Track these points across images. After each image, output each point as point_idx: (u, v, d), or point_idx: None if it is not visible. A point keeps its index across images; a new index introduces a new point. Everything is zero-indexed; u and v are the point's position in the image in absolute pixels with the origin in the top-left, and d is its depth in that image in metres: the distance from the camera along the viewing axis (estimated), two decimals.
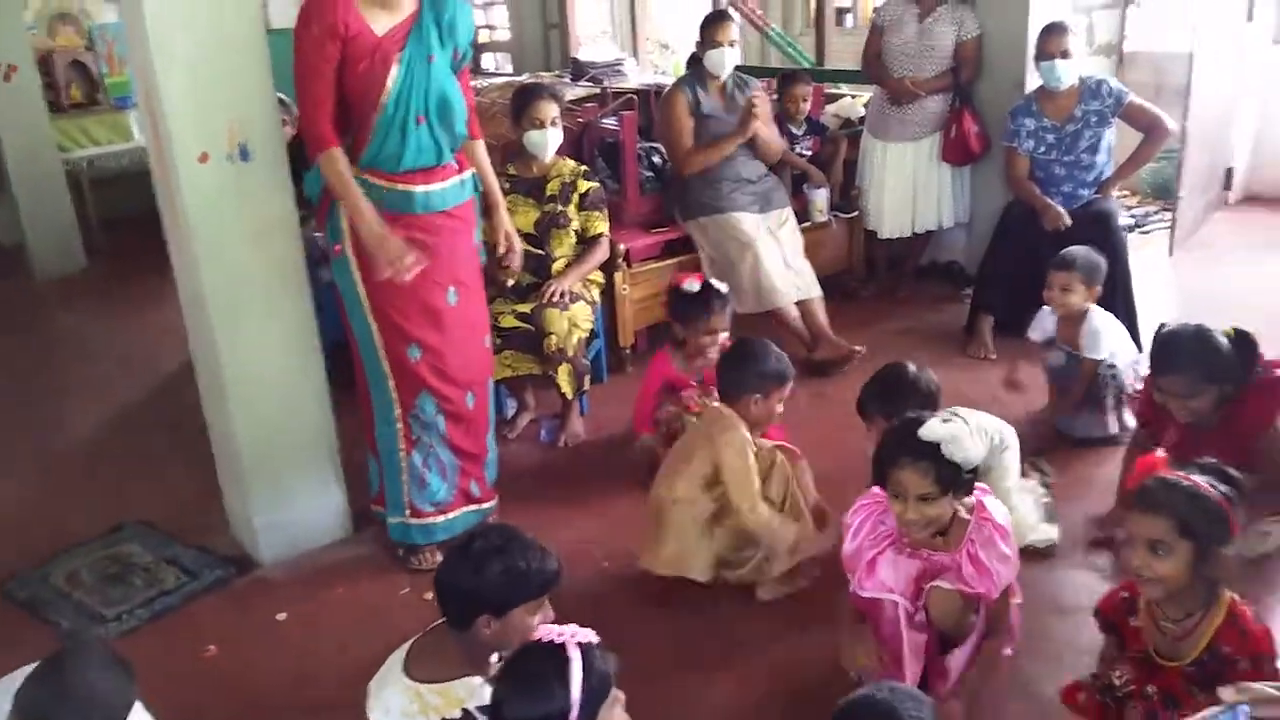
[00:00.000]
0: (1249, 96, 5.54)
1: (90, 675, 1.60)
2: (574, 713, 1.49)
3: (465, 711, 1.76)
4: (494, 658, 1.85)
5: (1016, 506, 2.77)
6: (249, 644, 2.62)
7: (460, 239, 2.77)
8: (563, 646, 1.55)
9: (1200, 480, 1.83)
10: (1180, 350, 2.53)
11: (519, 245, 3.06)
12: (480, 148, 2.91)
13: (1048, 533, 2.79)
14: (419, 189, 2.64)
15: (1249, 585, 2.47)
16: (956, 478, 2.04)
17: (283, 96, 2.99)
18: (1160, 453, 2.75)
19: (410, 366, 2.72)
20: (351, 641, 2.56)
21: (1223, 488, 1.82)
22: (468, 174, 2.77)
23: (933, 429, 2.03)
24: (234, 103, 2.60)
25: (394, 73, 2.51)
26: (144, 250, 3.83)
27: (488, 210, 2.97)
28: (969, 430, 2.04)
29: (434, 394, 2.75)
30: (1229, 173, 5.66)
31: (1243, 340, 2.53)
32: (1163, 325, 2.62)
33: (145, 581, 2.89)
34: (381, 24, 2.51)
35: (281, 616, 2.72)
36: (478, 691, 1.77)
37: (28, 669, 1.67)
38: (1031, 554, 2.71)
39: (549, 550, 1.84)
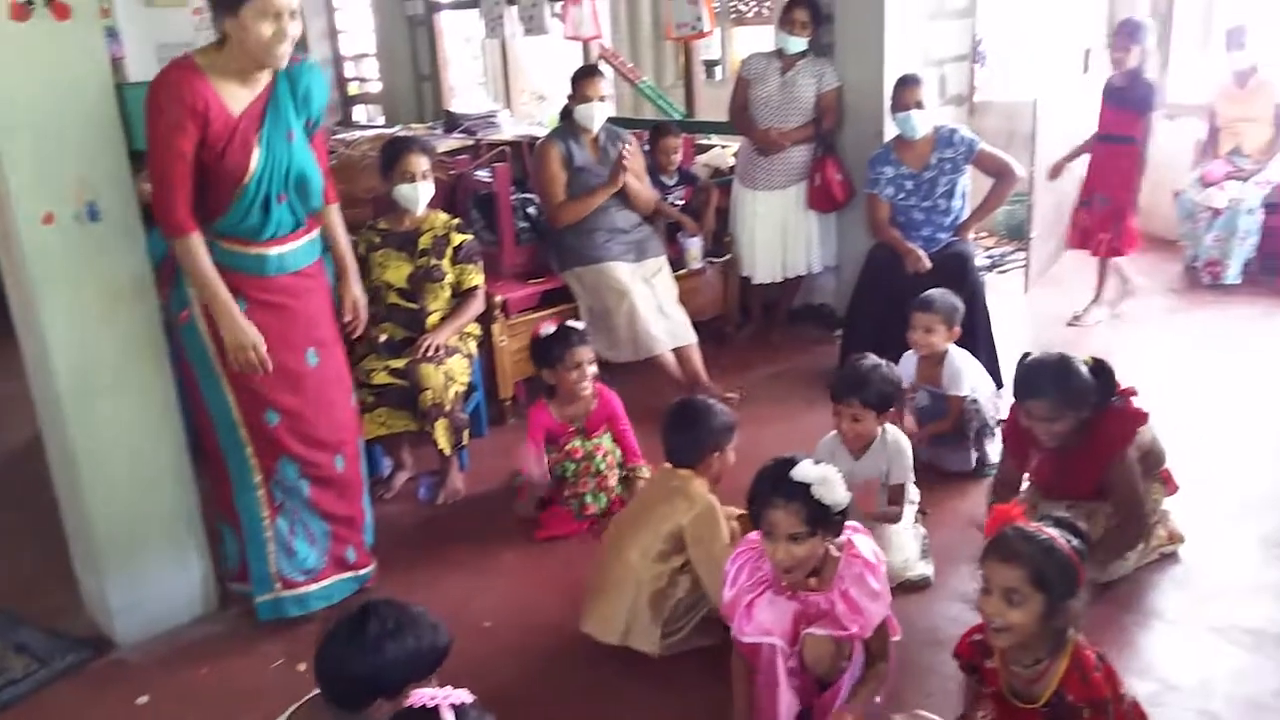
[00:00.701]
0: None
1: None
2: None
3: None
4: None
5: (901, 546, 2.86)
6: None
7: (315, 298, 2.72)
8: (435, 710, 1.52)
9: (1054, 533, 1.91)
10: (1043, 377, 2.66)
11: (364, 315, 2.99)
12: (335, 213, 2.86)
13: (924, 570, 2.87)
14: (273, 251, 2.59)
15: (1103, 608, 2.62)
16: (826, 517, 2.09)
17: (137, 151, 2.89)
18: (1023, 493, 2.94)
19: (268, 431, 2.64)
20: None
21: (1074, 541, 1.91)
22: (315, 232, 2.73)
23: (804, 470, 2.08)
24: (81, 159, 2.48)
25: (255, 155, 2.47)
26: None
27: (339, 276, 2.92)
28: (836, 475, 2.10)
29: (295, 459, 2.67)
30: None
31: (1101, 369, 2.70)
32: (1027, 354, 2.76)
33: None
34: (239, 101, 2.46)
35: (143, 700, 2.58)
36: None
37: None
38: (909, 588, 2.80)
39: (439, 623, 1.82)
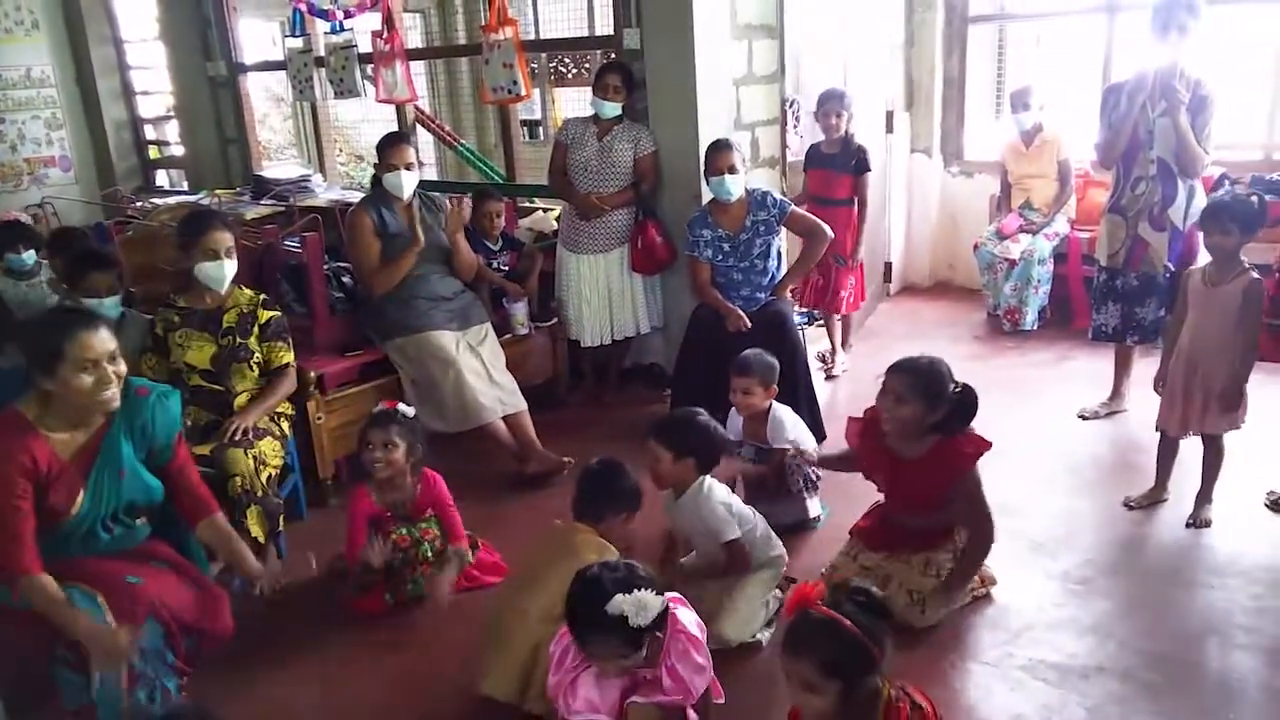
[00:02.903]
0: (897, 198, 6.26)
1: None
2: None
3: None
4: None
5: (751, 617, 2.88)
6: None
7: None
8: None
9: (845, 614, 1.91)
10: (914, 365, 2.87)
11: (269, 580, 2.83)
12: (218, 523, 2.79)
13: (764, 634, 2.91)
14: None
15: (926, 651, 2.72)
16: (648, 630, 2.08)
17: None
18: (844, 547, 3.03)
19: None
20: None
21: (865, 618, 1.91)
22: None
23: (617, 604, 2.04)
24: None
25: (80, 496, 2.50)
26: None
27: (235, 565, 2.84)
28: (649, 594, 2.07)
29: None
30: (888, 267, 6.33)
31: (966, 393, 2.86)
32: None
33: None
34: (68, 447, 2.49)
35: None
36: None
37: None
38: (745, 647, 2.83)
39: None
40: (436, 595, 3.09)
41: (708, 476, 2.94)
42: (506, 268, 4.67)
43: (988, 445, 2.88)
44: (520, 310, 4.50)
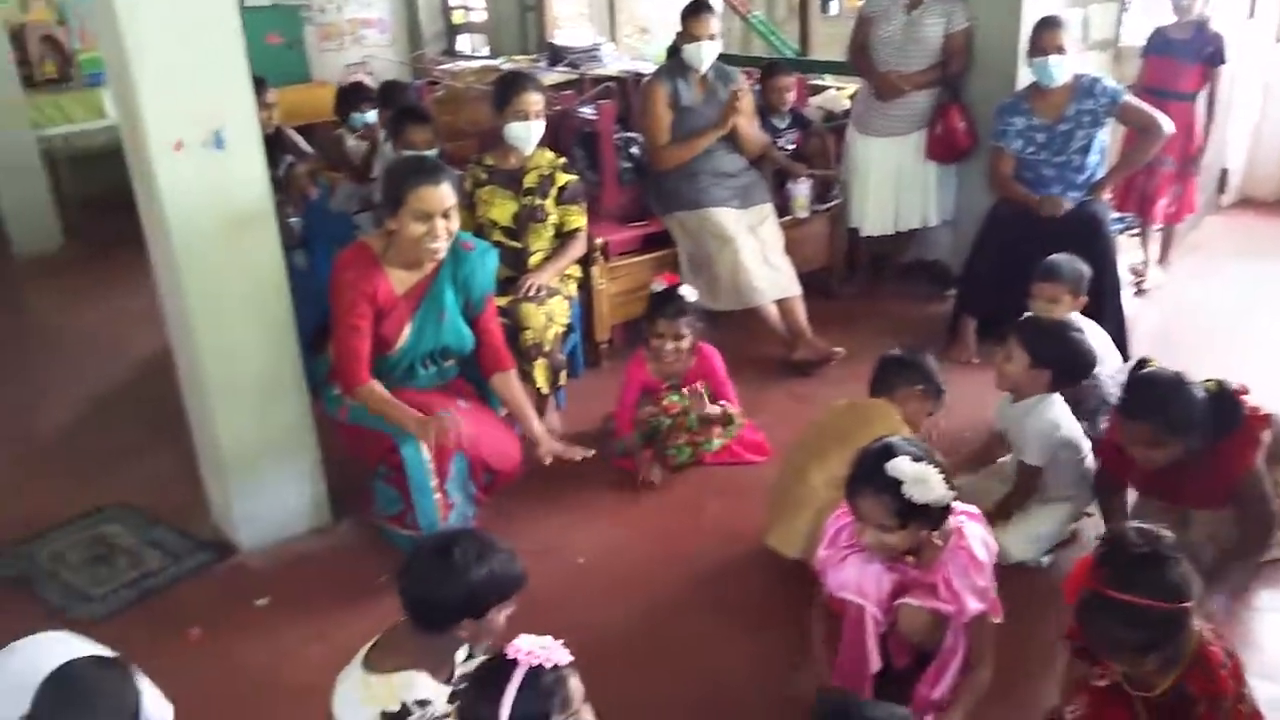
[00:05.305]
0: (1248, 95, 5.46)
1: (95, 694, 1.63)
2: None
3: (403, 705, 1.80)
4: (460, 653, 1.94)
5: (1036, 537, 2.74)
6: (231, 627, 2.66)
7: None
8: (513, 664, 1.56)
9: (1138, 585, 1.72)
10: (1153, 398, 2.38)
11: (558, 449, 2.91)
12: (511, 379, 2.95)
13: (1047, 559, 2.77)
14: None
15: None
16: (920, 513, 2.01)
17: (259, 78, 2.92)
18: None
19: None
20: (330, 628, 2.58)
21: (1164, 573, 1.73)
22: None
23: (898, 466, 1.99)
24: (209, 88, 2.54)
25: (406, 332, 2.74)
26: (120, 232, 3.79)
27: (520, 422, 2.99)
28: (937, 474, 1.99)
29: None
30: (1224, 174, 5.57)
31: (1222, 395, 2.41)
32: (1144, 363, 2.51)
33: (129, 563, 2.92)
34: (403, 283, 2.73)
35: (262, 602, 2.75)
36: (415, 686, 1.82)
37: (14, 648, 1.75)
38: (1020, 569, 2.70)
39: (514, 552, 1.90)
40: (699, 408, 3.22)
41: (1056, 395, 2.75)
42: (792, 147, 4.53)
43: (1264, 423, 2.45)
44: (803, 193, 4.37)
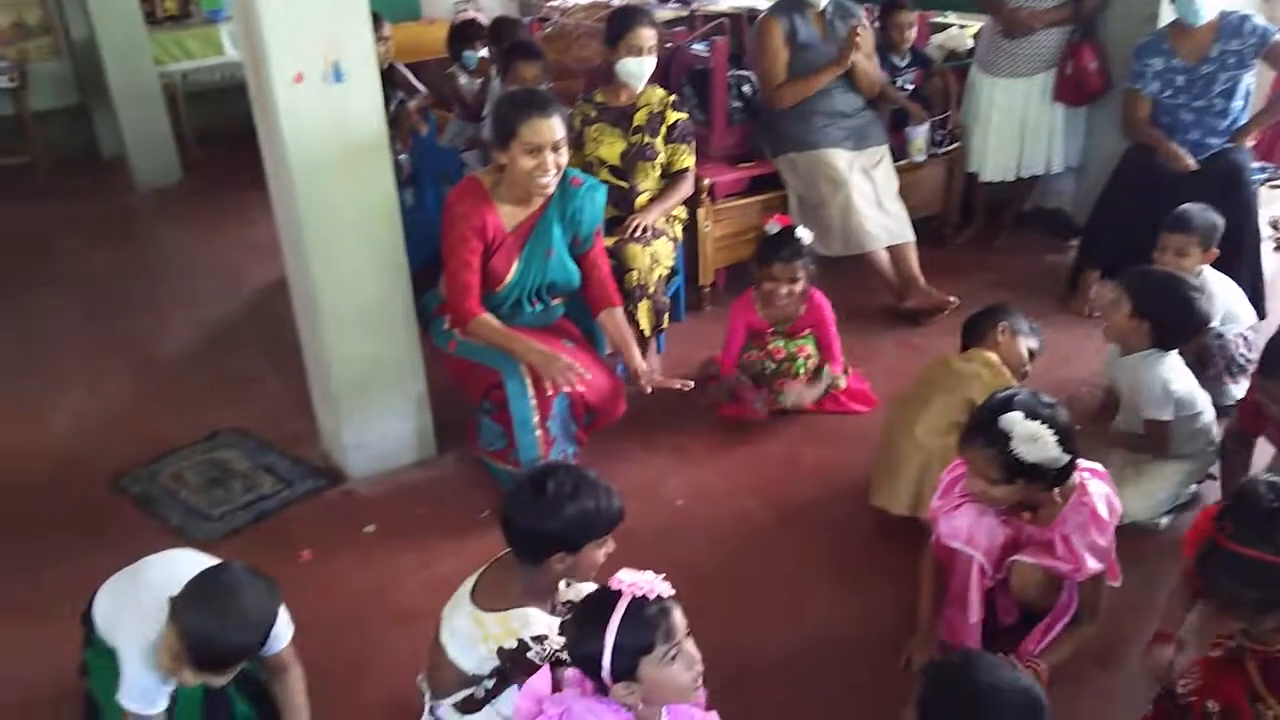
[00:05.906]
0: None
1: (246, 595, 1.76)
2: (605, 658, 1.55)
3: (520, 641, 1.82)
4: (562, 585, 1.96)
5: (1152, 492, 2.64)
6: (340, 552, 2.74)
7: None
8: (617, 595, 1.57)
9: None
10: None
11: (656, 378, 2.94)
12: (618, 315, 2.95)
13: (1164, 520, 2.68)
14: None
15: None
16: (1030, 471, 1.96)
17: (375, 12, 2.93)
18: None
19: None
20: (433, 557, 2.67)
21: None
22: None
23: (1011, 421, 1.94)
24: (328, 22, 2.56)
25: (514, 268, 2.76)
26: (237, 165, 3.90)
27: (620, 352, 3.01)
28: (1049, 436, 1.92)
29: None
30: None
31: None
32: None
33: (244, 486, 3.03)
34: (513, 218, 2.75)
35: (370, 529, 2.83)
36: (532, 622, 1.84)
37: (149, 561, 1.91)
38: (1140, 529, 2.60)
39: (614, 489, 1.90)
40: (797, 405, 3.18)
41: (1171, 352, 2.64)
42: (912, 87, 4.36)
43: None
44: (920, 135, 4.21)
